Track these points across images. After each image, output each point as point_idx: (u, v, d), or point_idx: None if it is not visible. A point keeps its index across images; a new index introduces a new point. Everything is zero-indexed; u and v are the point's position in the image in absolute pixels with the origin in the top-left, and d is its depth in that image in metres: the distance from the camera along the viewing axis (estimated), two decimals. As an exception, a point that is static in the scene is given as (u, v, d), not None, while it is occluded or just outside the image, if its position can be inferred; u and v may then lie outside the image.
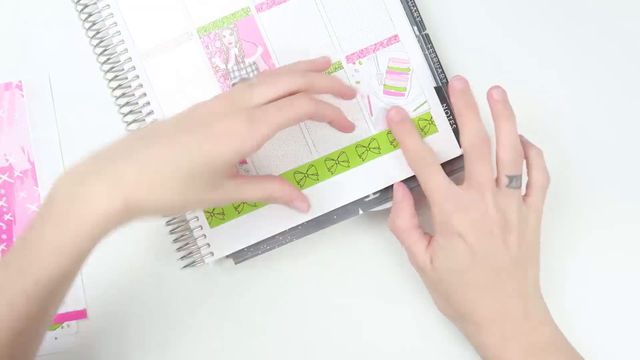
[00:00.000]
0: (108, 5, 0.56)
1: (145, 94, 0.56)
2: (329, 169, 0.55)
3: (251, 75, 0.56)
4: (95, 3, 0.56)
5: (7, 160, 0.60)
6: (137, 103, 0.56)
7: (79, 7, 0.56)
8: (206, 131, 0.45)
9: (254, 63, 0.55)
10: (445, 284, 0.51)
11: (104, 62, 0.57)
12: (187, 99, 0.55)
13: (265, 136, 0.45)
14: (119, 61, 0.56)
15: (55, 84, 0.60)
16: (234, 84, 0.51)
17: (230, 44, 0.56)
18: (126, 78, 0.56)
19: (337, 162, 0.55)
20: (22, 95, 0.60)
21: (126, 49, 0.56)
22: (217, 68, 0.56)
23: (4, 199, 0.59)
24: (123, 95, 0.56)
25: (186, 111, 0.47)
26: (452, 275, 0.51)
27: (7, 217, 0.59)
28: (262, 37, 0.55)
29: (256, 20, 0.55)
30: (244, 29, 0.55)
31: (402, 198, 0.53)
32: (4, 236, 0.59)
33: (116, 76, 0.56)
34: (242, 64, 0.56)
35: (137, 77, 0.56)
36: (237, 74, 0.55)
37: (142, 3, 0.56)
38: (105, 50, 0.56)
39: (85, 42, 0.57)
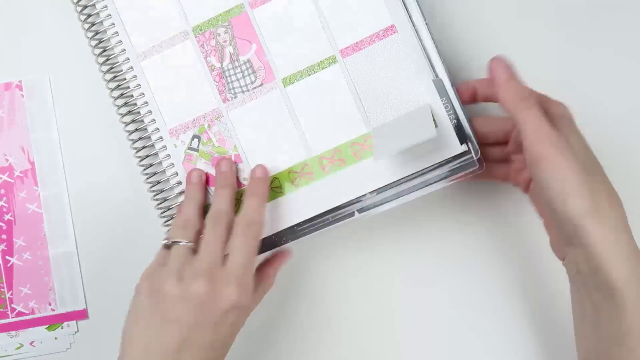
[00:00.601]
0: (106, 6, 0.56)
1: (143, 94, 0.56)
2: (323, 168, 0.54)
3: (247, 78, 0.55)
4: (94, 4, 0.56)
5: (7, 160, 0.60)
6: (135, 104, 0.56)
7: (79, 8, 0.57)
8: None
9: (248, 61, 0.55)
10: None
11: (103, 63, 0.57)
12: (184, 99, 0.56)
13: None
14: (118, 62, 0.56)
15: (55, 84, 0.61)
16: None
17: (224, 42, 0.55)
18: (124, 79, 0.56)
19: (332, 160, 0.54)
20: (22, 95, 0.61)
21: (124, 50, 0.56)
22: (213, 67, 0.55)
23: (4, 199, 0.60)
24: (121, 95, 0.56)
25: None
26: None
27: (7, 217, 0.60)
28: (256, 34, 0.54)
29: (250, 17, 0.54)
30: (238, 26, 0.55)
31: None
32: (3, 236, 0.60)
33: (115, 76, 0.57)
34: (236, 62, 0.55)
35: (135, 77, 0.56)
36: (232, 72, 0.55)
37: (138, 3, 0.56)
38: (103, 50, 0.57)
39: (85, 43, 0.57)
